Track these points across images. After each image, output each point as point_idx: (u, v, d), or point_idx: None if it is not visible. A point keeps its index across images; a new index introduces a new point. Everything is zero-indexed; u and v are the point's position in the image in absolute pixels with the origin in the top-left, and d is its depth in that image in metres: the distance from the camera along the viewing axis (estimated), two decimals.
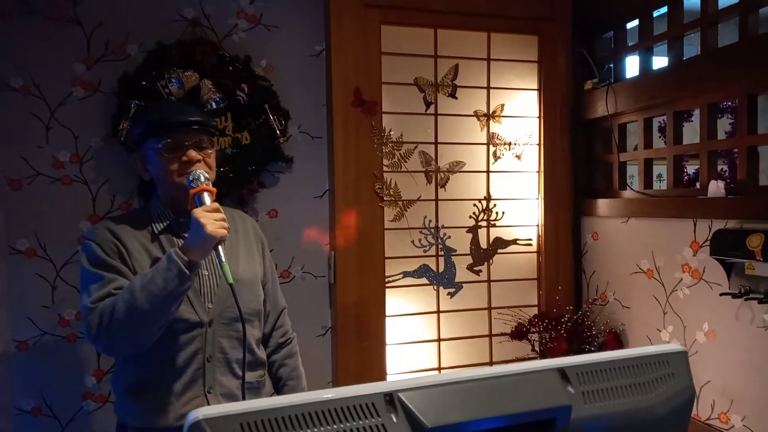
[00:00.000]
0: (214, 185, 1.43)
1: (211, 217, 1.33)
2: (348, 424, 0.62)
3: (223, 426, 0.58)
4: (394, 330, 2.43)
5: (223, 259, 1.34)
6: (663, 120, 2.52)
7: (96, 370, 2.13)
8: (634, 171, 2.51)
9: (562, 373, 0.73)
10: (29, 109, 2.05)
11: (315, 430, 0.60)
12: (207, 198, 1.37)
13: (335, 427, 0.61)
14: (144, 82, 2.05)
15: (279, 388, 1.65)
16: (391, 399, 0.65)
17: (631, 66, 2.50)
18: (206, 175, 1.40)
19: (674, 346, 0.82)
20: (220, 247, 1.33)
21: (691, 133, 2.66)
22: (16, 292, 2.05)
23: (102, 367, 2.13)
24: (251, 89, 2.17)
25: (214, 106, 2.11)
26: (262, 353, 1.59)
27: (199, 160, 1.43)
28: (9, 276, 2.05)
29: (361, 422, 0.62)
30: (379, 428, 0.63)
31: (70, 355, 2.10)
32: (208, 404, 1.36)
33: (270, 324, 1.64)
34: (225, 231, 1.34)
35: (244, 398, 1.45)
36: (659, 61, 2.36)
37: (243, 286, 1.46)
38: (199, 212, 1.33)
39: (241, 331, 1.44)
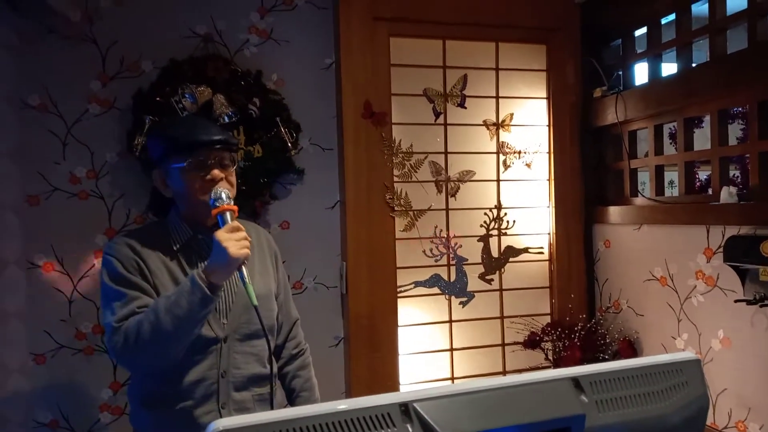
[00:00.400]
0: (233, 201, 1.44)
1: (233, 238, 1.33)
2: None
3: None
4: (407, 340, 2.43)
5: (247, 280, 1.34)
6: (673, 126, 2.52)
7: (112, 382, 2.16)
8: (645, 178, 2.49)
9: (576, 382, 0.74)
10: (46, 126, 2.10)
11: None
12: (229, 217, 1.38)
13: None
14: (158, 98, 2.09)
15: (292, 400, 1.65)
16: (406, 409, 0.65)
17: (640, 73, 2.50)
18: (228, 193, 1.42)
19: (688, 354, 0.82)
20: (243, 268, 1.34)
21: (702, 138, 2.65)
22: (34, 306, 2.09)
23: (118, 380, 2.16)
24: (263, 103, 2.20)
25: (227, 120, 2.14)
26: (273, 366, 1.60)
27: (222, 179, 1.44)
28: (27, 290, 2.08)
29: None
30: None
31: (87, 368, 2.13)
32: None
33: (283, 335, 1.65)
34: (248, 250, 1.34)
35: (272, 406, 1.47)
36: (668, 68, 2.36)
37: (259, 302, 1.47)
38: (221, 235, 1.34)
39: (256, 347, 1.48)
